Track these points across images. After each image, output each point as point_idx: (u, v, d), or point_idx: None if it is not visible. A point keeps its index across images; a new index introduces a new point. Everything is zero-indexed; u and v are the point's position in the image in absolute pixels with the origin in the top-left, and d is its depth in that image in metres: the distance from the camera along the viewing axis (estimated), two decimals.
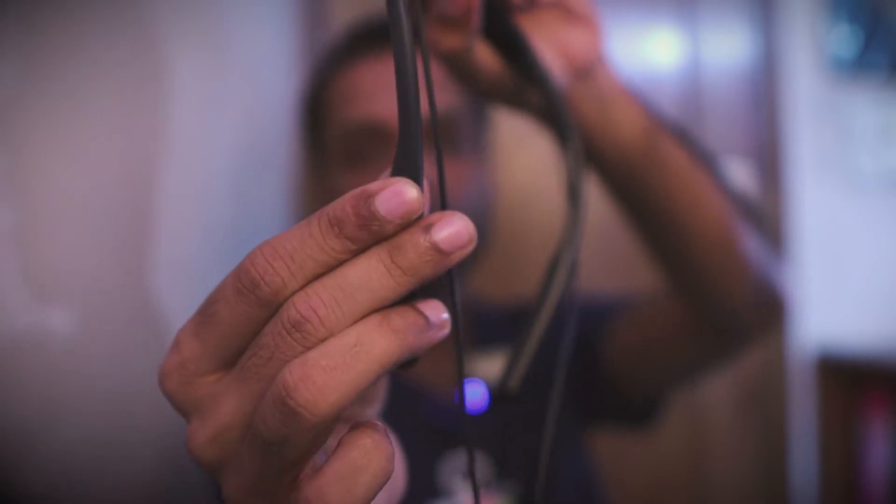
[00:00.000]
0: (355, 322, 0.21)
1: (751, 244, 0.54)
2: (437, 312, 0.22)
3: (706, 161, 0.51)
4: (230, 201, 0.84)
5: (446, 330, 0.22)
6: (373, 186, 0.21)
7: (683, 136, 0.50)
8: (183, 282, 0.76)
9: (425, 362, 0.75)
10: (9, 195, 0.57)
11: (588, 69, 0.40)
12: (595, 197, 0.40)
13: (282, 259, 0.21)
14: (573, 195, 0.33)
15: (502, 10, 0.36)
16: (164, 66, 0.75)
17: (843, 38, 1.48)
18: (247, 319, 0.22)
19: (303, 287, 0.21)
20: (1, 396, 0.55)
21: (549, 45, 0.39)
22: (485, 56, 0.37)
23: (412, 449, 0.65)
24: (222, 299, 0.23)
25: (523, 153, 1.14)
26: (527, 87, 0.38)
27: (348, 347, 0.20)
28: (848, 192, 1.48)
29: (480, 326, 0.74)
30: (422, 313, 0.22)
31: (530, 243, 1.16)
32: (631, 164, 0.46)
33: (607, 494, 0.74)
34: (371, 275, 0.21)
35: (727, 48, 1.36)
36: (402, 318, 0.21)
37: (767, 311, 0.60)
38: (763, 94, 1.37)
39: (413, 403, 0.67)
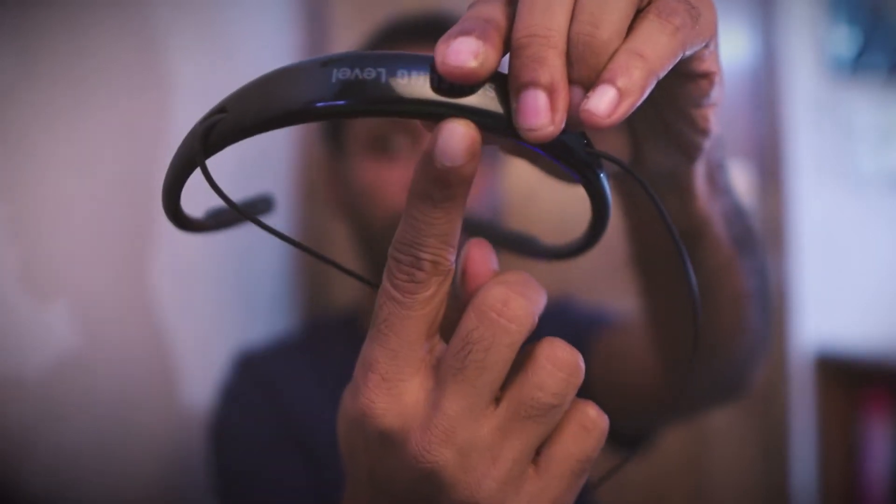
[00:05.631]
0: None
1: (754, 333, 0.50)
2: None
3: (752, 251, 0.45)
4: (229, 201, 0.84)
5: None
6: None
7: (742, 225, 0.43)
8: (183, 281, 0.76)
9: None
10: (10, 194, 0.56)
11: (657, 178, 0.34)
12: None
13: (418, 240, 0.24)
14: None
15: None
16: (164, 65, 0.75)
17: (842, 39, 1.48)
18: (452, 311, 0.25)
19: None
20: (1, 397, 0.55)
21: None
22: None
23: None
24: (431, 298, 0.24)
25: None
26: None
27: None
28: (848, 192, 1.48)
29: None
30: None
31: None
32: (667, 251, 0.41)
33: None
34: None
35: (727, 48, 1.36)
36: None
37: (737, 393, 0.58)
38: (763, 94, 1.37)
39: None
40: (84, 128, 0.64)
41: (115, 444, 0.66)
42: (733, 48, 1.37)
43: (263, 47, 0.97)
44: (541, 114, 0.21)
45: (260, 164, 0.94)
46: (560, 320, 0.73)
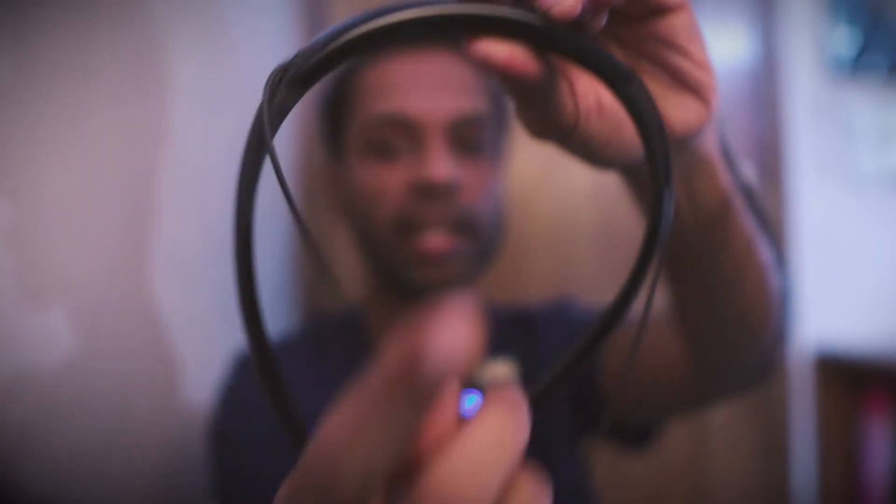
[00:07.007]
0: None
1: (778, 316, 0.51)
2: None
3: (764, 228, 0.47)
4: (230, 201, 0.84)
5: None
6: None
7: (751, 200, 0.45)
8: (182, 282, 0.76)
9: None
10: (8, 195, 0.56)
11: (685, 143, 0.34)
12: (599, 201, 0.37)
13: (348, 448, 0.17)
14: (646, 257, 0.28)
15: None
16: (163, 65, 0.75)
17: (842, 39, 1.48)
18: None
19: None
20: (1, 399, 0.55)
21: None
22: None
23: None
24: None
25: (525, 155, 1.14)
26: (610, 148, 0.33)
27: None
28: (848, 192, 1.48)
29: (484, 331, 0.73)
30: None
31: (532, 247, 1.16)
32: (697, 232, 0.42)
33: None
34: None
35: (727, 48, 1.36)
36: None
37: (765, 375, 0.59)
38: (763, 94, 1.37)
39: None
40: (84, 128, 0.64)
41: (115, 444, 0.66)
42: (733, 48, 1.37)
43: (263, 47, 0.97)
44: None
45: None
46: (561, 322, 0.73)
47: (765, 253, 0.46)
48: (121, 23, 0.69)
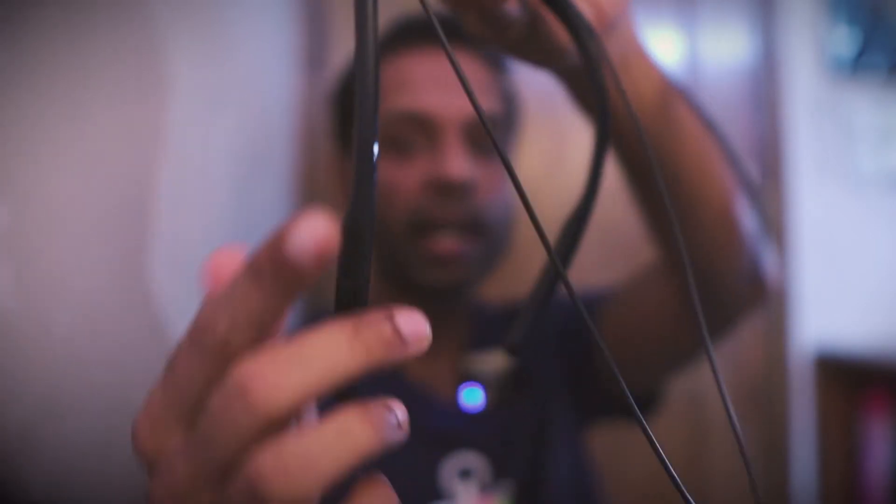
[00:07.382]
0: (303, 396, 0.19)
1: (747, 218, 0.53)
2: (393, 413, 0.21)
3: (712, 127, 0.50)
4: (230, 201, 0.84)
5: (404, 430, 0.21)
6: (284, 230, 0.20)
7: (691, 99, 0.49)
8: (183, 282, 0.76)
9: (426, 365, 0.75)
10: (6, 194, 0.56)
11: (614, 23, 0.38)
12: (600, 201, 0.39)
13: (223, 306, 0.21)
14: (596, 164, 0.33)
15: None
16: (163, 64, 0.75)
17: (842, 39, 1.48)
18: (198, 373, 0.21)
19: (253, 344, 0.20)
20: (1, 399, 0.55)
21: None
22: (515, 10, 0.35)
23: (413, 452, 0.65)
24: (179, 350, 0.22)
25: (526, 155, 1.14)
26: (557, 42, 0.37)
27: (329, 440, 0.19)
28: (848, 191, 1.48)
29: (479, 327, 0.74)
30: (394, 410, 0.21)
31: (533, 246, 1.15)
32: (645, 122, 0.45)
33: (603, 492, 0.74)
34: (331, 345, 0.20)
35: (727, 48, 1.36)
36: (381, 413, 0.20)
37: (754, 290, 0.59)
38: (763, 94, 1.37)
39: (413, 406, 0.67)
40: (83, 128, 0.64)
41: (115, 444, 0.66)
42: (733, 48, 1.37)
43: (263, 47, 0.97)
44: None
45: (260, 164, 0.94)
46: (552, 313, 0.73)
47: (722, 155, 0.50)
48: (121, 23, 0.69)
